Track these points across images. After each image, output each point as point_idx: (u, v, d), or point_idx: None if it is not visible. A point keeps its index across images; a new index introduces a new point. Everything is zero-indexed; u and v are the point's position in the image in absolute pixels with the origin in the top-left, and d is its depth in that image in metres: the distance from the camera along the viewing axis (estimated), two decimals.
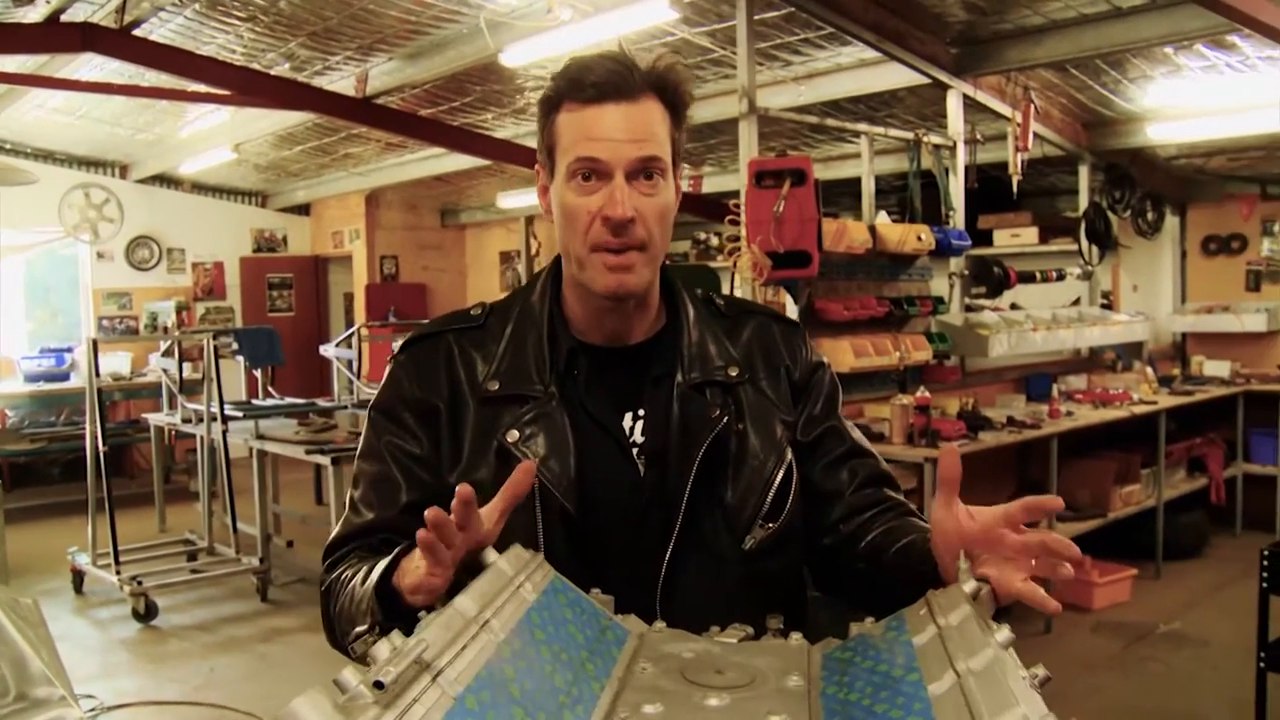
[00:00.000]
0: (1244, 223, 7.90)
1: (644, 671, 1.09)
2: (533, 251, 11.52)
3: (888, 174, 7.11)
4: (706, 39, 5.98)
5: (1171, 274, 8.24)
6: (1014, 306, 6.92)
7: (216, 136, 9.03)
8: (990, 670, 0.91)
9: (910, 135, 5.91)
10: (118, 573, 5.94)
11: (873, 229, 5.22)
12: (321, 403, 7.98)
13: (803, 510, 1.47)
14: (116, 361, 9.42)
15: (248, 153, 9.65)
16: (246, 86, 7.08)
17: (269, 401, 7.58)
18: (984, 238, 7.56)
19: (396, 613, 1.17)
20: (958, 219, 5.96)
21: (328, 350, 8.65)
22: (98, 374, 6.21)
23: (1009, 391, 6.48)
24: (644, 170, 1.32)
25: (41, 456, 9.12)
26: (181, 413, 7.05)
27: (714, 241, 8.90)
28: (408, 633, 1.15)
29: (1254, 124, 6.43)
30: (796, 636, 1.21)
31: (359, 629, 1.23)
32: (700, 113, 6.56)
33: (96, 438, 6.14)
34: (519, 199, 10.16)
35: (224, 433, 6.37)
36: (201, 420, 6.67)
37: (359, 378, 8.27)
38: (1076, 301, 7.55)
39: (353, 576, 1.31)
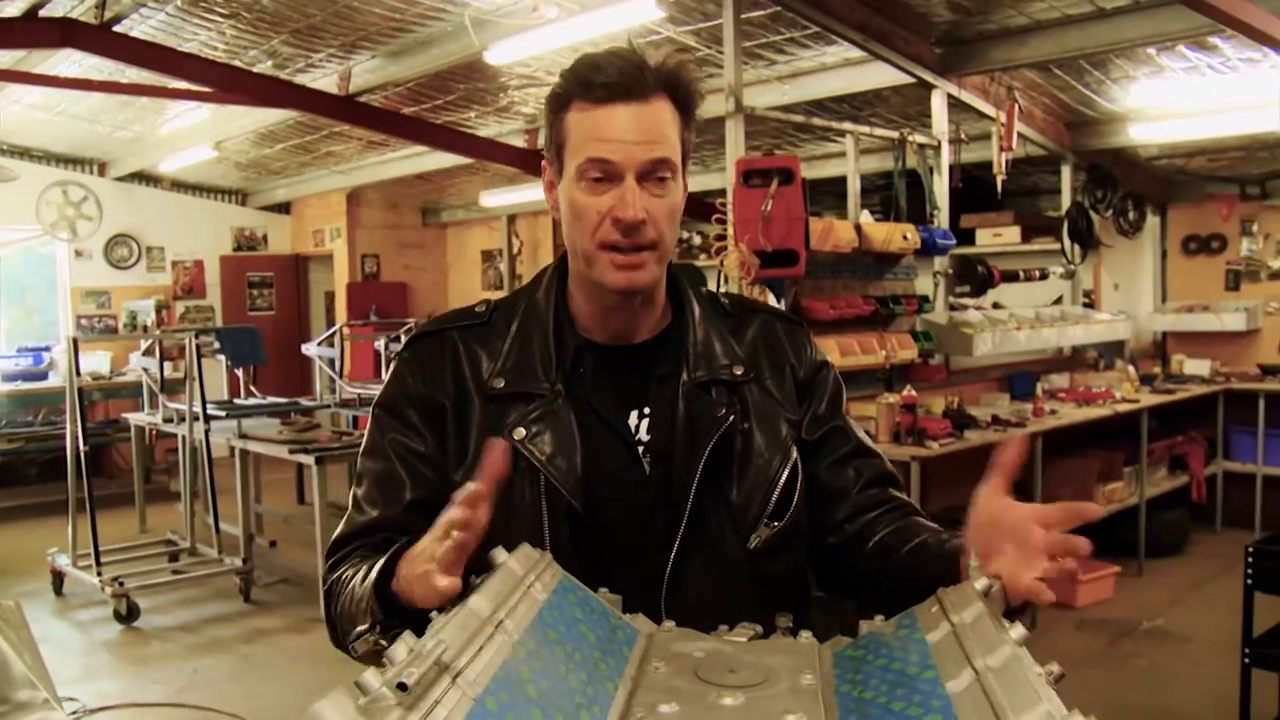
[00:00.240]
0: (1223, 223, 7.96)
1: (657, 671, 1.08)
2: (514, 250, 11.49)
3: (870, 173, 7.13)
4: (692, 37, 5.98)
5: (1152, 273, 8.29)
6: (996, 305, 6.95)
7: (197, 134, 8.97)
8: (1009, 668, 0.91)
9: (895, 134, 5.92)
10: (99, 574, 5.89)
11: (858, 228, 5.23)
12: (304, 402, 7.95)
13: (807, 509, 1.47)
14: (96, 361, 9.33)
15: (228, 150, 9.59)
16: (228, 84, 7.02)
17: (251, 401, 7.53)
18: (966, 237, 7.59)
19: (397, 611, 1.17)
20: (942, 218, 5.97)
21: (310, 349, 8.62)
22: (78, 373, 6.16)
23: (993, 390, 6.51)
24: (654, 171, 1.32)
25: (19, 457, 9.04)
26: (163, 412, 7.00)
27: (696, 240, 8.91)
28: (410, 630, 1.16)
29: (1234, 125, 6.50)
30: (806, 635, 1.21)
31: (360, 628, 1.23)
32: None
33: (77, 437, 6.08)
34: (501, 197, 10.14)
35: (206, 432, 6.33)
36: (183, 420, 6.62)
37: (341, 377, 8.24)
38: (1058, 300, 7.59)
39: (353, 576, 1.31)
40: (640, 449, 1.42)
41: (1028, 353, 6.73)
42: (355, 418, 8.36)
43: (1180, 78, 6.17)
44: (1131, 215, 7.74)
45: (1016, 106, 6.11)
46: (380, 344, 9.07)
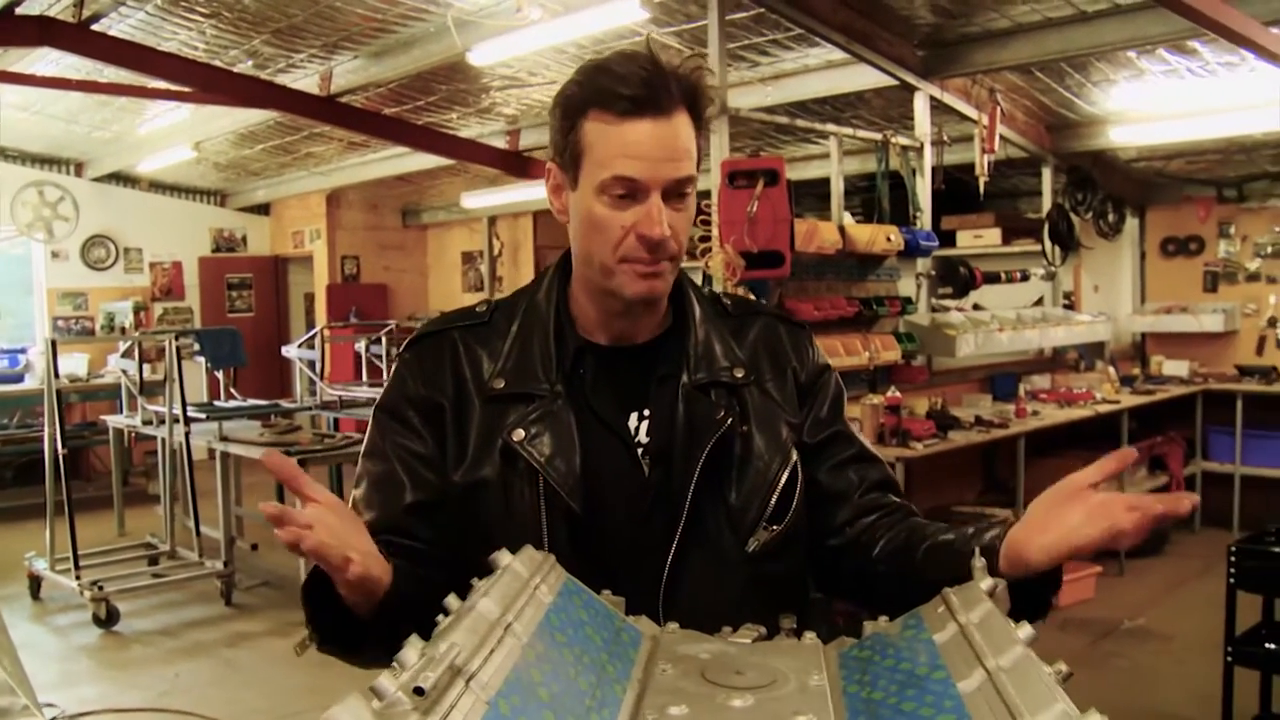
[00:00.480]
0: (1201, 225, 8.03)
1: (664, 673, 1.08)
2: (495, 252, 11.47)
3: (851, 175, 7.14)
4: (675, 39, 5.97)
5: (1131, 275, 8.35)
6: (976, 307, 6.98)
7: (176, 134, 8.91)
8: (1021, 667, 0.91)
9: (878, 136, 5.93)
10: (77, 578, 5.83)
11: (842, 230, 5.24)
12: (285, 404, 7.90)
13: (808, 511, 1.47)
14: (73, 363, 9.26)
15: (208, 151, 9.53)
16: (208, 84, 6.99)
17: (232, 403, 7.49)
18: (947, 238, 7.62)
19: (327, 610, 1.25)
20: (925, 220, 5.99)
21: (290, 351, 8.58)
22: (57, 375, 6.10)
23: (975, 391, 6.54)
24: (678, 189, 1.32)
25: None
26: (142, 415, 6.94)
27: None
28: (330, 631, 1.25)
29: (1211, 128, 6.56)
30: (810, 636, 1.20)
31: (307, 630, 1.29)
32: None
33: (55, 440, 6.03)
34: (482, 199, 10.11)
35: (187, 435, 6.28)
36: (163, 422, 6.56)
37: (322, 379, 8.20)
38: (1039, 302, 7.63)
39: None
40: (640, 450, 1.41)
41: (1009, 354, 6.76)
42: (336, 420, 8.32)
43: (1159, 81, 6.22)
44: (1111, 217, 7.79)
45: (999, 109, 6.13)
46: (361, 346, 9.03)
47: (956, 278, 6.38)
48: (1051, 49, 5.63)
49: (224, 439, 6.55)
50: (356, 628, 1.24)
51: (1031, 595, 1.20)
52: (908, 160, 6.04)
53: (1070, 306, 7.76)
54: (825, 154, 7.33)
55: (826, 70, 6.38)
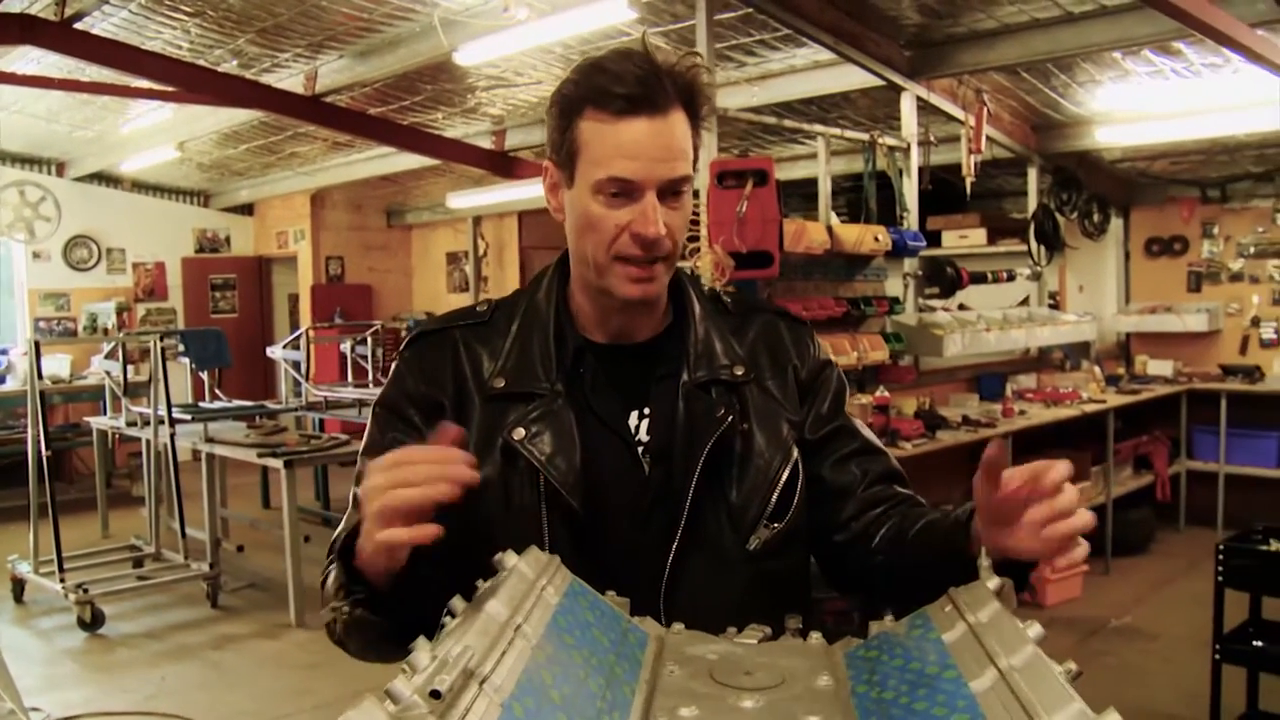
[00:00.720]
0: (1185, 225, 8.07)
1: (672, 674, 1.07)
2: (480, 252, 11.44)
3: (836, 175, 7.15)
4: (662, 39, 5.97)
5: (1116, 275, 8.39)
6: (962, 307, 7.00)
7: (159, 134, 8.86)
8: (1034, 666, 0.91)
9: (865, 137, 5.94)
10: (62, 580, 5.79)
11: (830, 230, 5.24)
12: (270, 405, 7.87)
13: (814, 508, 1.46)
14: (55, 364, 9.20)
15: (191, 151, 9.48)
16: (192, 83, 6.95)
17: (217, 404, 7.45)
18: (933, 239, 7.64)
19: (358, 579, 1.20)
20: (911, 220, 6.00)
21: (275, 352, 8.54)
22: (40, 376, 6.05)
23: (961, 391, 6.56)
24: (673, 188, 1.32)
25: None
26: (126, 416, 6.90)
27: None
28: (367, 600, 1.20)
29: (1195, 129, 6.59)
30: (816, 636, 1.20)
31: (330, 598, 1.25)
32: None
33: (39, 441, 5.98)
34: (468, 199, 10.09)
35: (172, 436, 6.24)
36: (147, 423, 6.52)
37: (307, 380, 8.16)
38: (1024, 302, 7.66)
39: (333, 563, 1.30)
40: (640, 449, 1.41)
41: (995, 354, 6.78)
42: (321, 421, 8.30)
43: (1144, 82, 6.25)
44: (1096, 217, 7.82)
45: (985, 109, 6.15)
46: (346, 347, 8.99)
47: (944, 278, 6.40)
48: (1038, 50, 5.65)
49: (210, 440, 6.51)
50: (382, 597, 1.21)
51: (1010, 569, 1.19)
52: (894, 160, 6.05)
53: (1055, 306, 7.80)
54: (810, 154, 7.34)
55: (813, 70, 6.39)
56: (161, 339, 6.46)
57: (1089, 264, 8.30)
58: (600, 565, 1.29)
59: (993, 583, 1.09)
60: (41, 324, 10.29)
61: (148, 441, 6.67)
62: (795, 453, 1.44)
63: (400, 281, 12.31)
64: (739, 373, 1.44)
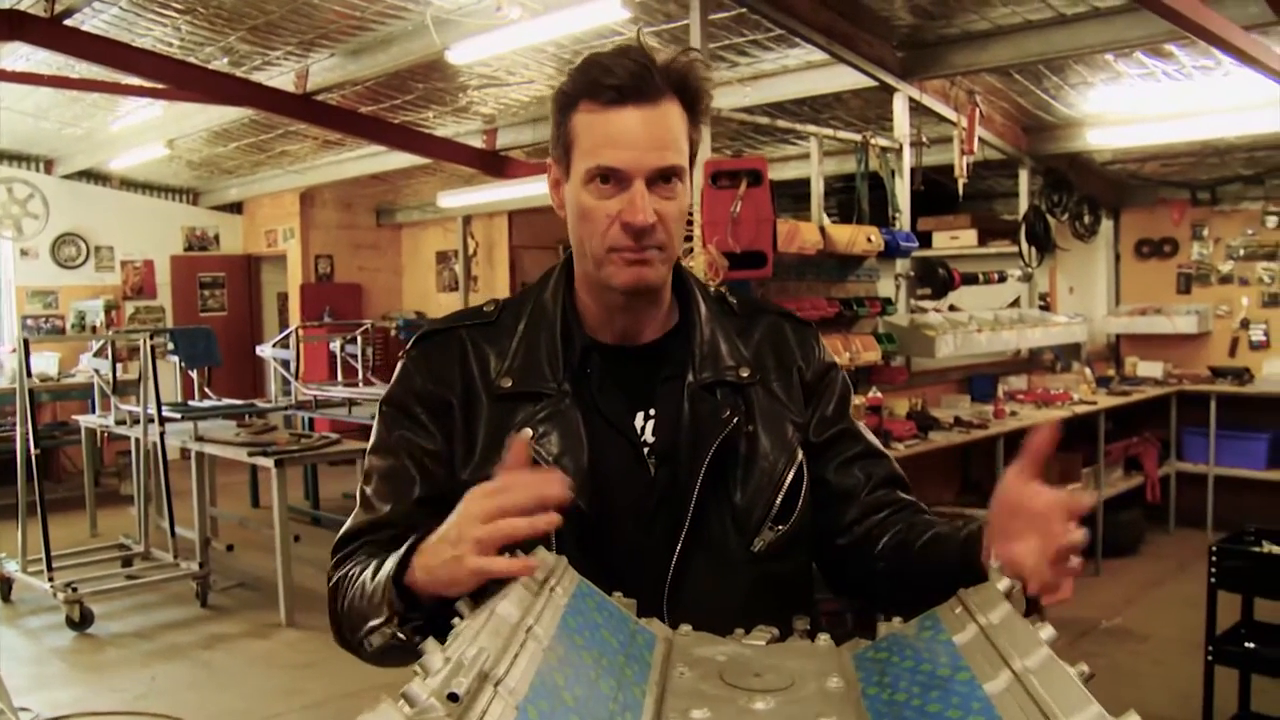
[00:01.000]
0: (1175, 227, 8.10)
1: (682, 676, 1.07)
2: (470, 252, 11.42)
3: (828, 176, 7.14)
4: (655, 39, 5.96)
5: (1106, 276, 8.41)
6: (953, 308, 7.01)
7: (148, 132, 8.81)
8: (1049, 668, 0.91)
9: (858, 137, 5.94)
10: (50, 579, 5.75)
11: (823, 230, 5.24)
12: (260, 404, 7.84)
13: (817, 511, 1.46)
14: (43, 362, 9.14)
15: (181, 149, 9.43)
16: (183, 80, 6.92)
17: (207, 403, 7.42)
18: (923, 240, 7.65)
19: (413, 605, 1.16)
20: (904, 221, 6.00)
21: (265, 351, 8.51)
22: (29, 374, 6.02)
23: (953, 392, 6.57)
24: (663, 175, 1.31)
25: None
26: (115, 414, 6.86)
27: None
28: (424, 626, 1.14)
29: (1186, 131, 6.60)
30: (824, 638, 1.20)
31: (374, 622, 1.21)
32: None
33: (27, 440, 5.95)
34: (458, 198, 10.06)
35: (161, 434, 6.21)
36: (136, 422, 6.49)
37: (296, 379, 8.14)
38: (1015, 303, 7.67)
39: (362, 572, 1.28)
40: (645, 450, 1.41)
41: (987, 355, 6.79)
42: (311, 420, 8.27)
43: (1136, 84, 6.26)
44: (1087, 219, 7.84)
45: (978, 110, 6.16)
46: (335, 346, 8.97)
47: (935, 279, 6.40)
48: (1031, 51, 5.65)
49: (199, 439, 6.48)
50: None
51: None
52: (887, 161, 6.04)
53: (1046, 308, 7.82)
54: (801, 155, 7.34)
55: (806, 71, 6.39)
56: (151, 337, 6.42)
57: (1079, 265, 8.33)
58: (606, 566, 1.29)
59: (1003, 584, 1.09)
60: (29, 322, 10.23)
61: (137, 440, 6.64)
62: (800, 455, 1.44)
63: (390, 280, 12.29)
64: (744, 374, 1.44)
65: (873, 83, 5.95)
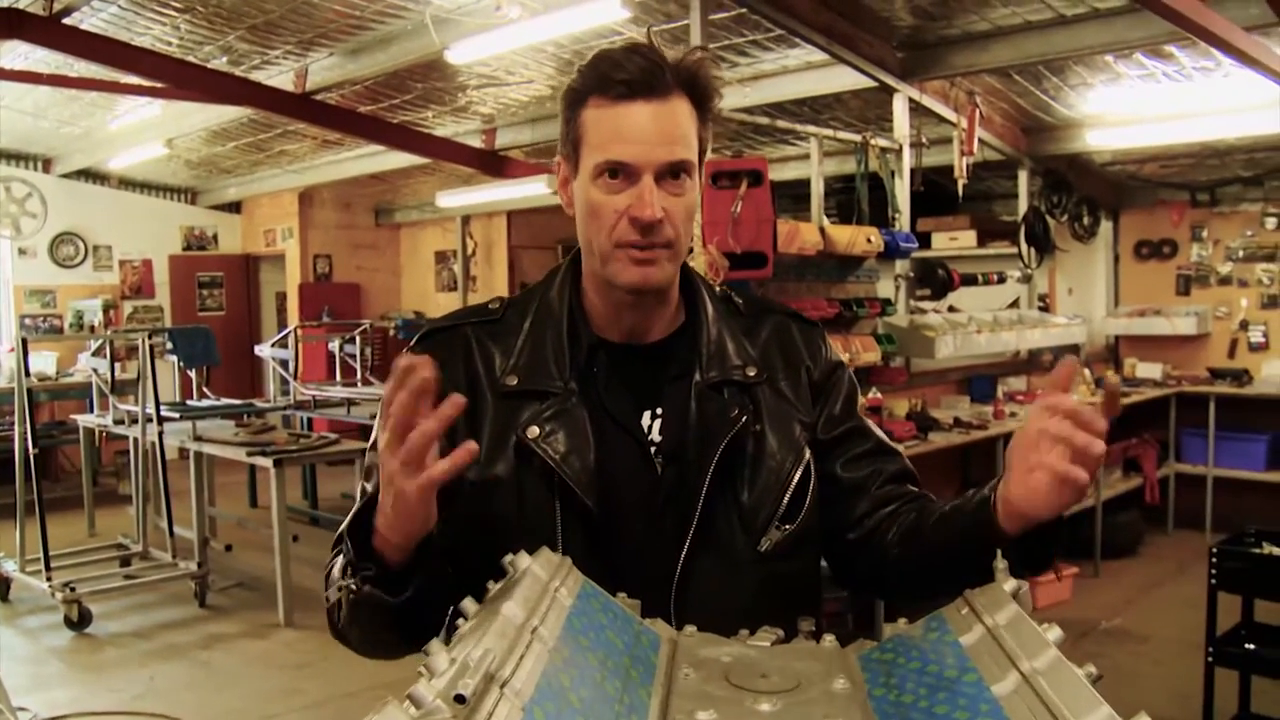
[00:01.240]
0: (1174, 228, 8.10)
1: (687, 677, 1.06)
2: (469, 252, 11.41)
3: (827, 176, 7.13)
4: (660, 42, 5.95)
5: (1105, 278, 8.41)
6: (952, 309, 7.00)
7: (147, 131, 8.80)
8: (1057, 670, 0.90)
9: (858, 138, 5.94)
10: (48, 579, 5.74)
11: (823, 231, 5.23)
12: (258, 403, 7.83)
13: (827, 507, 1.45)
14: (41, 361, 9.14)
15: (179, 148, 9.42)
16: (181, 79, 6.91)
17: (206, 402, 7.41)
18: (923, 241, 7.64)
19: (365, 555, 1.19)
20: (903, 221, 6.00)
21: (263, 350, 8.51)
22: (27, 374, 6.01)
23: (952, 393, 6.56)
24: (672, 171, 1.30)
25: None
26: (113, 414, 6.85)
27: None
28: (376, 578, 1.19)
29: (1186, 132, 6.59)
30: (829, 639, 1.19)
31: (335, 576, 1.24)
32: None
33: (26, 439, 5.94)
34: (457, 198, 10.05)
35: (160, 434, 6.20)
36: (135, 421, 6.48)
37: (295, 378, 8.13)
38: (1014, 304, 7.67)
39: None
40: (653, 449, 1.40)
41: (986, 356, 6.78)
42: (310, 420, 8.26)
43: (1136, 85, 6.26)
44: (1086, 220, 7.84)
45: (978, 111, 6.15)
46: (334, 345, 8.96)
47: (935, 279, 6.40)
48: (1031, 52, 5.65)
49: (198, 439, 6.48)
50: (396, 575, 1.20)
51: (1032, 548, 1.21)
52: (886, 162, 6.04)
53: (1045, 309, 7.81)
54: (800, 155, 7.33)
55: (805, 71, 6.39)
56: (149, 337, 6.42)
57: (1078, 267, 8.33)
58: (612, 565, 1.29)
59: (1009, 585, 1.08)
60: (27, 321, 10.22)
61: (135, 439, 6.63)
62: (807, 454, 1.44)
63: (388, 280, 12.28)
64: (751, 373, 1.43)
65: (873, 83, 5.95)
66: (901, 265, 5.96)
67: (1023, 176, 7.48)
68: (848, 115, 7.20)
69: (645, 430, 1.40)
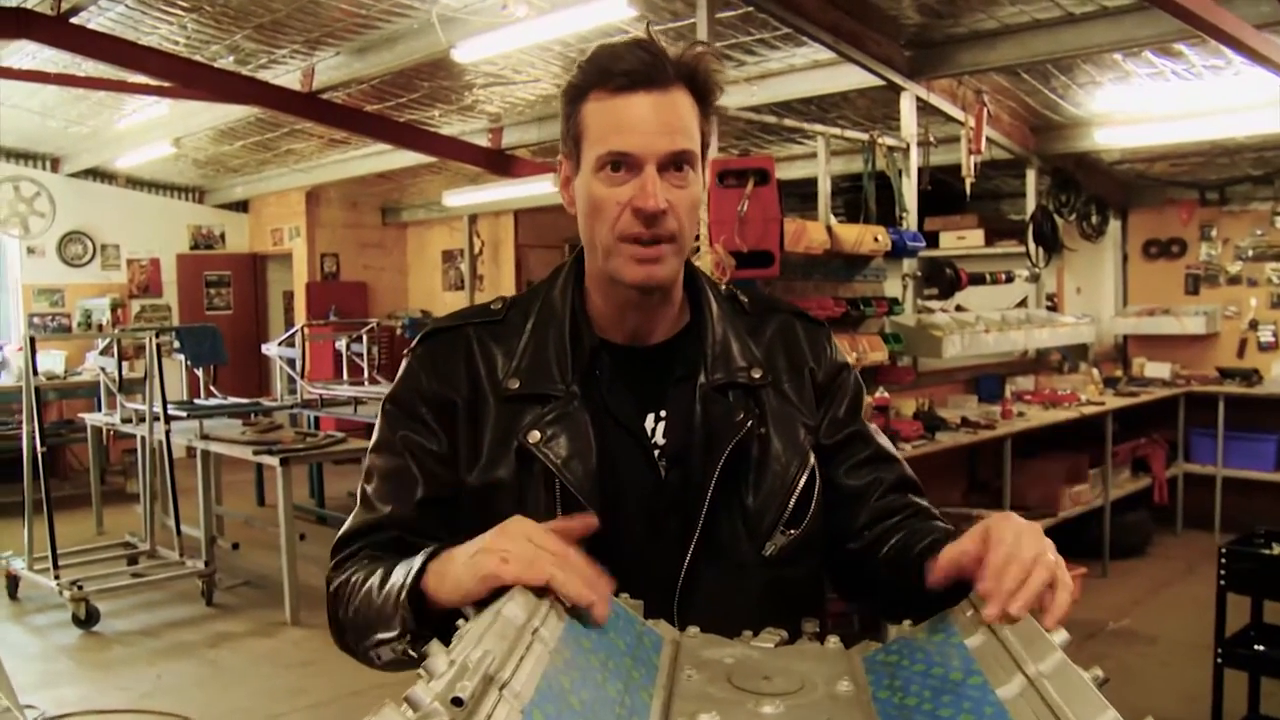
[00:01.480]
0: (1183, 227, 8.06)
1: (690, 679, 1.05)
2: (475, 251, 11.41)
3: (835, 175, 7.12)
4: (662, 38, 5.93)
5: (1113, 277, 8.38)
6: (959, 308, 6.98)
7: (155, 130, 8.82)
8: (1063, 673, 0.90)
9: (865, 137, 5.92)
10: (56, 577, 5.75)
11: (830, 230, 5.22)
12: (265, 402, 7.84)
13: (827, 514, 1.44)
14: (50, 360, 9.14)
15: (186, 147, 9.44)
16: (189, 79, 6.92)
17: (213, 401, 7.42)
18: (930, 240, 7.62)
19: (426, 618, 1.14)
20: (911, 220, 5.98)
21: (270, 349, 8.52)
22: (35, 372, 6.02)
23: (960, 392, 6.54)
24: (674, 162, 1.29)
25: None
26: (121, 412, 6.86)
27: None
28: (440, 639, 1.12)
29: (1195, 131, 6.57)
30: (833, 640, 1.18)
31: (383, 635, 1.20)
32: None
33: (34, 437, 5.95)
34: (464, 197, 10.05)
35: (167, 433, 6.21)
36: (143, 420, 6.49)
37: (302, 377, 8.14)
38: (1022, 303, 7.64)
39: (367, 578, 1.26)
40: (656, 452, 1.38)
41: (994, 355, 6.76)
42: (317, 419, 8.27)
43: (1145, 83, 6.24)
44: (1094, 219, 7.82)
45: (985, 110, 6.13)
46: (341, 344, 8.97)
47: (942, 279, 6.38)
48: (1039, 50, 5.63)
49: (205, 437, 6.48)
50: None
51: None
52: (894, 161, 6.02)
53: (1053, 308, 7.78)
54: (807, 154, 7.31)
55: (813, 70, 6.37)
56: (157, 335, 6.42)
57: (1087, 266, 8.30)
58: (615, 570, 1.27)
59: None
60: (36, 320, 10.24)
61: (143, 438, 6.63)
62: (812, 458, 1.42)
63: (395, 279, 12.28)
64: (756, 375, 1.42)
65: (880, 82, 5.94)
66: (909, 264, 5.95)
67: (1031, 175, 7.45)
68: (855, 114, 7.18)
69: (649, 433, 1.39)
